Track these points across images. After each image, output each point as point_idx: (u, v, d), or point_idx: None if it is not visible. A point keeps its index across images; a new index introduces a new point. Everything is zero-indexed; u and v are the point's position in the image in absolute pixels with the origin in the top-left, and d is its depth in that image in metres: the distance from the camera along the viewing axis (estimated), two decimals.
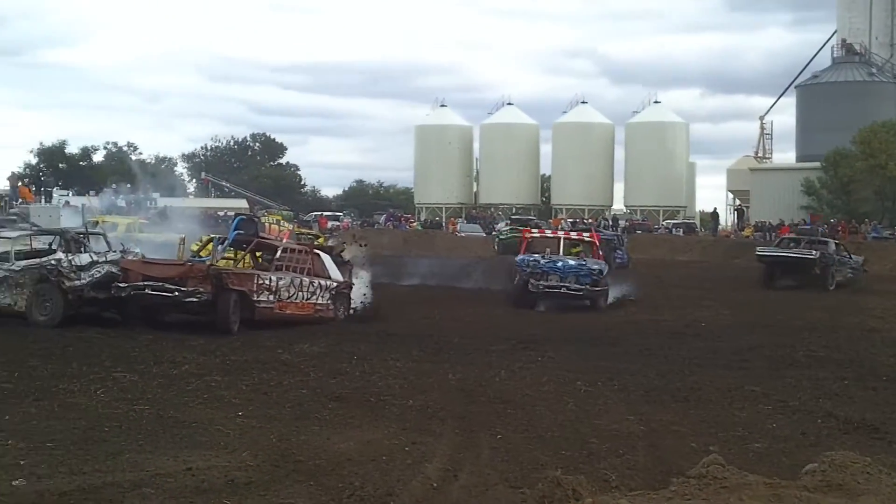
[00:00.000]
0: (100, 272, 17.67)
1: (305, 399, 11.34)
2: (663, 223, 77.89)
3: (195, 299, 16.85)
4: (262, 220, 23.89)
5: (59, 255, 18.06)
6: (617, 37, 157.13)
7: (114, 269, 17.79)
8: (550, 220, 79.60)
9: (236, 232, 19.47)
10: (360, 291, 21.80)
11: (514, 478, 8.11)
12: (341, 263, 21.25)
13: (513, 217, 70.48)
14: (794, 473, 6.78)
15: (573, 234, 27.76)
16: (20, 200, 53.21)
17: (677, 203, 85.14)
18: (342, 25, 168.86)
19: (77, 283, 17.29)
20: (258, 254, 19.84)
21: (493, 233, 61.71)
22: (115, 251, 19.23)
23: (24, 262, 17.82)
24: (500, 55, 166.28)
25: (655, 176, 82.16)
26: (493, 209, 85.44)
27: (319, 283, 19.46)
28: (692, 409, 11.27)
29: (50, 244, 19.18)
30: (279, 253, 19.10)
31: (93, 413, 10.19)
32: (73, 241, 18.77)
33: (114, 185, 63.58)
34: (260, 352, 14.83)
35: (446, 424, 10.19)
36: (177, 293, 16.86)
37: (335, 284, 20.01)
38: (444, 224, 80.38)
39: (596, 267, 24.03)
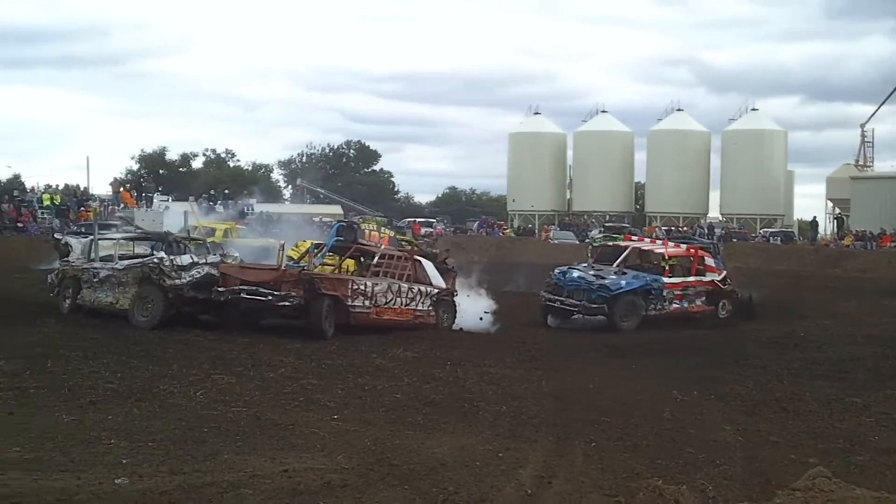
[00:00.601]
0: (199, 273, 18.00)
1: (399, 403, 11.41)
2: (760, 231, 76.58)
3: (287, 303, 17.11)
4: (362, 226, 24.06)
5: (162, 254, 18.56)
6: (715, 45, 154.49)
7: (213, 272, 18.11)
8: (645, 228, 78.87)
9: (336, 238, 19.68)
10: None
11: (608, 486, 8.03)
12: (445, 270, 21.23)
13: (606, 224, 69.93)
14: None
15: (669, 247, 24.27)
16: (122, 206, 54.50)
17: (775, 211, 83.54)
18: (437, 34, 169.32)
19: (177, 281, 17.65)
20: (362, 259, 20.03)
21: (587, 240, 61.35)
22: (214, 255, 19.62)
23: (126, 262, 18.44)
24: (595, 63, 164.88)
25: (752, 184, 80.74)
26: (586, 216, 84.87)
27: (419, 290, 19.42)
28: (791, 419, 11.06)
29: (152, 248, 19.75)
30: (376, 259, 19.21)
31: (192, 414, 10.38)
32: (175, 244, 19.43)
33: (212, 191, 64.73)
34: (355, 356, 14.95)
35: (540, 431, 10.16)
36: (270, 297, 17.14)
37: (436, 291, 19.95)
38: (537, 231, 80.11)
39: (608, 282, 21.19)
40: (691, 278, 22.50)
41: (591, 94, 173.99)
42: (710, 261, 23.25)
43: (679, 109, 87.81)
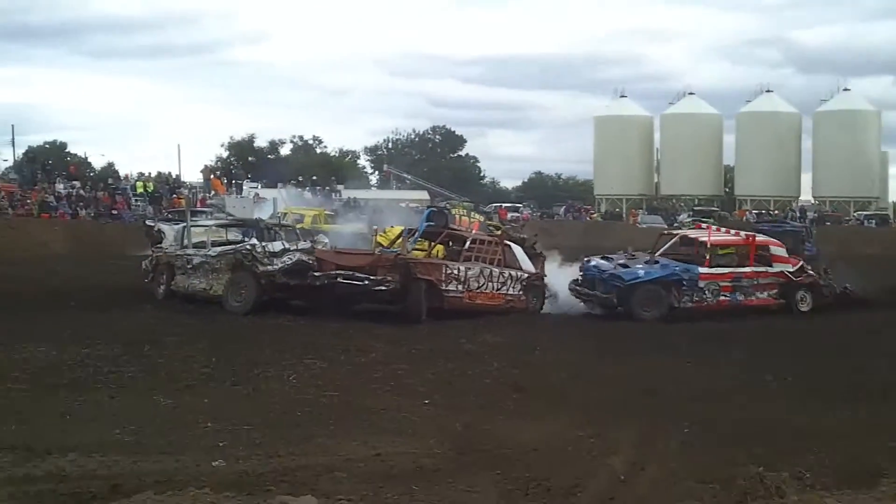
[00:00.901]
0: (291, 259, 18.22)
1: (489, 389, 11.44)
2: (854, 214, 75.00)
3: (384, 288, 17.33)
4: (452, 211, 24.13)
5: (254, 241, 18.89)
6: (805, 24, 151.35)
7: (304, 258, 18.34)
8: (735, 212, 77.75)
9: (427, 223, 19.78)
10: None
11: (702, 472, 7.93)
12: (533, 255, 21.22)
13: (695, 208, 69.13)
14: None
15: (717, 235, 22.28)
16: (212, 192, 55.39)
17: (868, 194, 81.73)
18: (522, 17, 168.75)
19: (270, 268, 17.91)
20: (451, 244, 20.12)
21: (675, 224, 60.73)
22: (304, 241, 19.96)
23: (219, 249, 18.85)
24: (682, 45, 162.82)
25: (845, 166, 79.08)
26: (674, 200, 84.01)
27: (510, 274, 19.49)
28: (891, 407, 10.80)
29: (244, 234, 20.14)
30: (468, 244, 19.30)
31: (286, 398, 10.54)
32: (267, 231, 19.86)
33: (300, 178, 65.39)
34: (444, 342, 15.03)
35: (632, 417, 10.09)
36: (367, 282, 17.34)
37: (526, 275, 19.97)
38: (624, 215, 79.51)
39: (622, 272, 20.20)
40: (745, 269, 20.62)
41: (679, 76, 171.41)
42: (778, 250, 21.26)
43: (768, 90, 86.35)
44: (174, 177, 63.00)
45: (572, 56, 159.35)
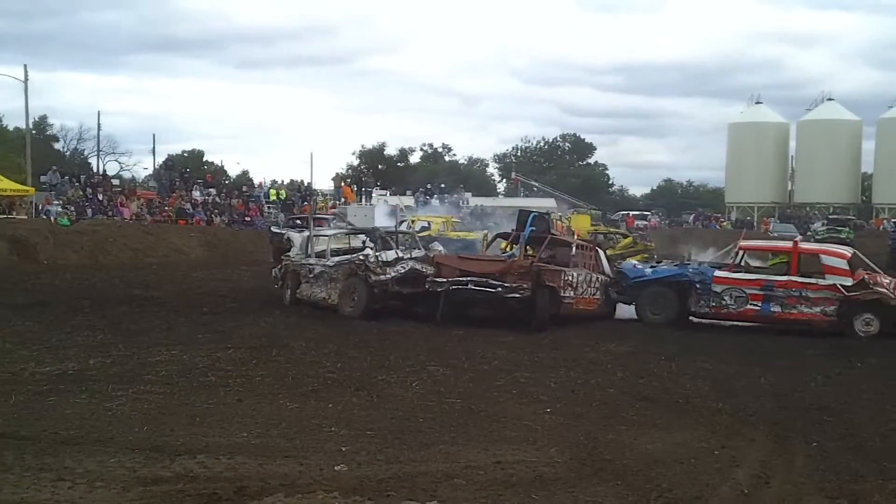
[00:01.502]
0: (404, 268, 18.53)
1: (612, 398, 11.34)
2: None
3: (518, 295, 17.37)
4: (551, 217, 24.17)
5: (368, 251, 19.36)
6: None
7: (418, 266, 18.64)
8: (872, 221, 75.51)
9: (531, 228, 19.75)
10: None
11: (830, 488, 7.73)
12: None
13: (830, 217, 67.38)
14: None
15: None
16: (343, 200, 56.26)
17: None
18: (657, 24, 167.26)
19: (382, 277, 18.25)
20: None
21: (808, 232, 59.28)
22: (419, 249, 20.22)
23: (337, 259, 19.31)
24: (822, 50, 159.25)
25: None
26: (808, 208, 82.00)
27: (600, 278, 19.88)
28: None
29: (364, 242, 20.83)
30: (574, 250, 19.54)
31: (408, 404, 10.61)
32: (381, 239, 20.34)
33: (428, 185, 65.92)
34: (567, 350, 14.96)
35: (758, 429, 9.88)
36: (500, 289, 17.40)
37: (607, 279, 20.31)
38: (755, 223, 77.95)
39: (627, 271, 20.25)
40: (781, 277, 18.69)
41: (817, 82, 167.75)
42: (834, 260, 18.47)
43: None
44: (306, 184, 64.22)
45: (709, 63, 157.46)
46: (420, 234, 36.64)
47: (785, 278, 18.52)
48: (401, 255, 19.34)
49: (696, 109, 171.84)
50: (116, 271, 27.39)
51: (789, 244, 20.13)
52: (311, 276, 19.73)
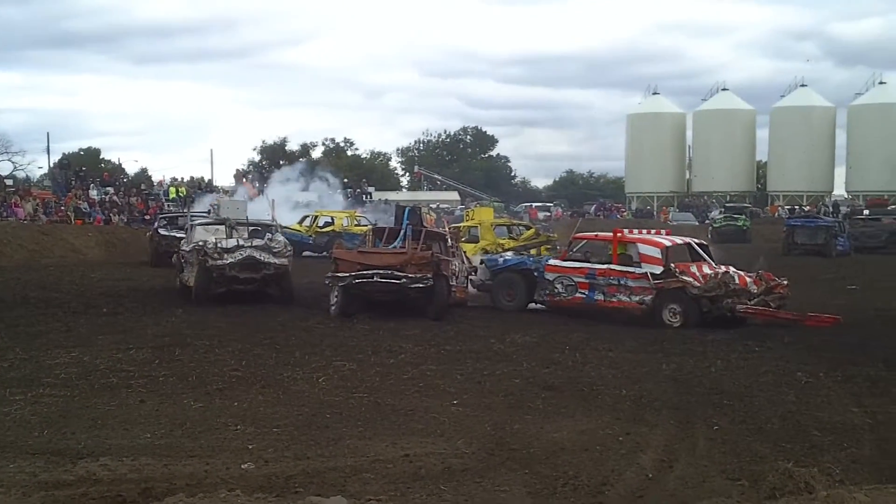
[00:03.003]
0: (242, 255, 19.97)
1: (518, 388, 11.42)
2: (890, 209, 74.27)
3: (422, 285, 17.65)
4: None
5: (210, 238, 20.96)
6: (844, 17, 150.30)
7: (255, 254, 20.02)
8: (767, 208, 77.34)
9: (407, 222, 19.94)
10: None
11: (732, 469, 7.93)
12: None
13: (727, 205, 68.79)
14: None
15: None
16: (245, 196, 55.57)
17: None
18: (557, 15, 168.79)
19: (219, 262, 19.78)
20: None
21: (707, 221, 60.47)
22: (262, 240, 21.03)
23: (191, 244, 20.96)
24: (717, 41, 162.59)
25: (880, 160, 78.38)
26: (706, 197, 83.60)
27: (465, 267, 20.61)
28: None
29: (264, 236, 21.70)
30: (451, 241, 20.20)
31: (315, 400, 10.57)
32: (231, 229, 21.90)
33: (328, 181, 65.32)
34: (473, 342, 15.03)
35: (661, 415, 10.06)
36: (404, 280, 17.63)
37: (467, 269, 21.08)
38: (655, 213, 79.22)
39: (487, 259, 21.14)
40: (602, 266, 18.70)
41: (714, 72, 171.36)
42: (648, 249, 18.44)
43: (803, 85, 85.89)
44: (206, 181, 63.40)
45: (609, 54, 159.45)
46: (324, 230, 36.62)
47: (605, 266, 18.61)
48: (242, 243, 20.51)
49: (597, 100, 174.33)
50: (12, 273, 26.65)
51: (620, 234, 19.67)
52: (182, 262, 21.60)
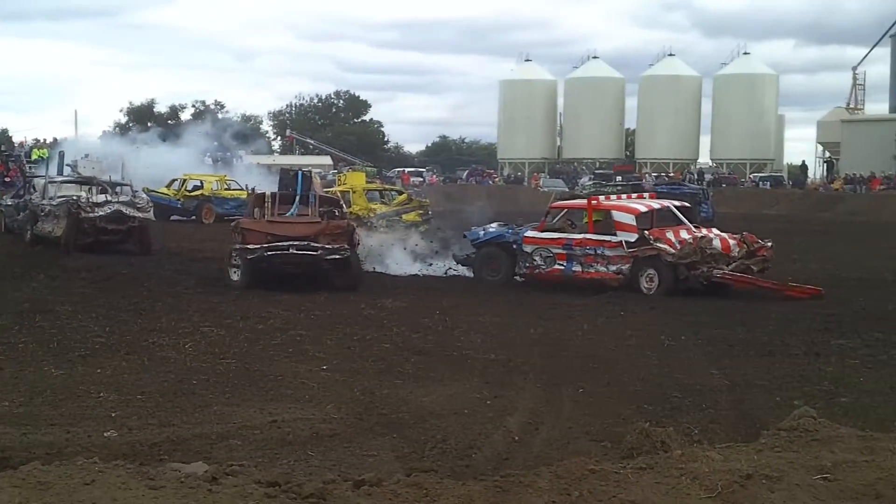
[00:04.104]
0: (110, 209, 22.33)
1: (388, 353, 11.44)
2: (750, 176, 76.59)
3: (338, 256, 17.15)
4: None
5: (83, 194, 23.44)
6: None
7: (122, 209, 22.42)
8: (635, 175, 78.87)
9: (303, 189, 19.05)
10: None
11: (595, 431, 8.09)
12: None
13: (596, 171, 69.90)
14: (881, 428, 6.68)
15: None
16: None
17: (765, 156, 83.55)
18: None
19: (91, 214, 22.04)
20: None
21: (577, 187, 61.36)
22: (132, 197, 23.89)
23: (59, 199, 22.90)
24: (590, 8, 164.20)
25: (743, 129, 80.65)
26: (576, 164, 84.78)
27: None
28: (777, 363, 11.08)
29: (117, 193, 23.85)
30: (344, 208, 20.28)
31: (181, 367, 10.41)
32: (98, 187, 24.21)
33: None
34: (344, 307, 14.97)
35: (528, 378, 10.19)
36: (320, 251, 17.04)
37: None
38: (526, 179, 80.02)
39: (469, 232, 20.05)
40: (577, 235, 18.12)
41: (585, 40, 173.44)
42: (623, 216, 17.80)
43: (671, 54, 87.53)
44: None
45: (484, 19, 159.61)
46: (193, 194, 35.96)
47: (581, 236, 18.01)
48: (111, 199, 22.91)
49: (471, 66, 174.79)
50: None
51: (592, 201, 19.15)
52: (43, 214, 23.00)
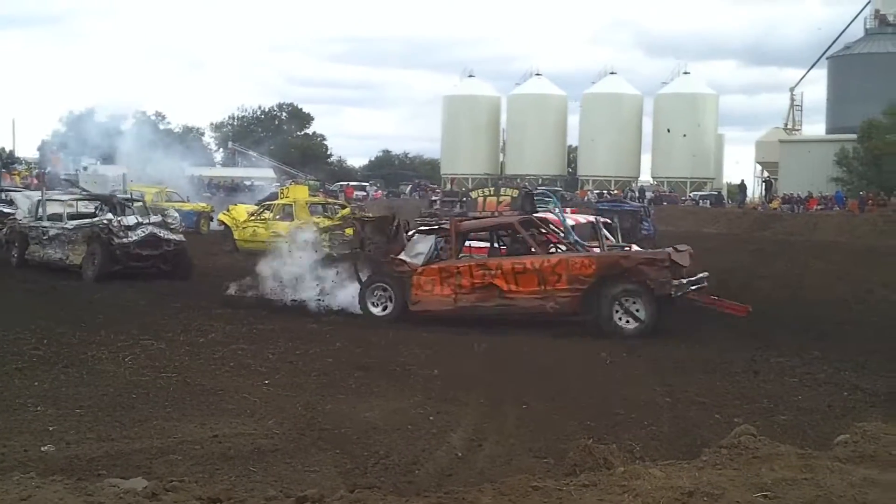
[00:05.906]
0: (144, 232, 19.85)
1: (331, 368, 11.38)
2: (690, 195, 77.53)
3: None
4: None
5: (109, 216, 20.49)
6: (655, 8, 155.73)
7: (156, 231, 20.01)
8: (577, 192, 79.41)
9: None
10: None
11: (539, 447, 8.10)
12: None
13: (538, 188, 70.14)
14: (819, 445, 6.78)
15: None
16: (47, 168, 53.61)
17: (705, 175, 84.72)
18: None
19: (125, 240, 19.57)
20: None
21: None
22: (155, 215, 21.10)
23: (76, 222, 20.61)
24: (536, 26, 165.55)
25: (683, 148, 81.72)
26: (519, 180, 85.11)
27: None
28: (718, 381, 11.16)
29: (96, 207, 21.72)
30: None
31: (121, 380, 10.27)
32: (119, 205, 21.41)
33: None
34: (284, 321, 14.87)
35: (472, 394, 10.18)
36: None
37: None
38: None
39: None
40: None
41: (530, 57, 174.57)
42: None
43: (612, 73, 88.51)
44: (8, 152, 60.78)
45: (429, 35, 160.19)
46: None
47: None
48: (140, 220, 20.38)
49: (416, 81, 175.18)
50: None
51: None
52: (44, 238, 20.78)
